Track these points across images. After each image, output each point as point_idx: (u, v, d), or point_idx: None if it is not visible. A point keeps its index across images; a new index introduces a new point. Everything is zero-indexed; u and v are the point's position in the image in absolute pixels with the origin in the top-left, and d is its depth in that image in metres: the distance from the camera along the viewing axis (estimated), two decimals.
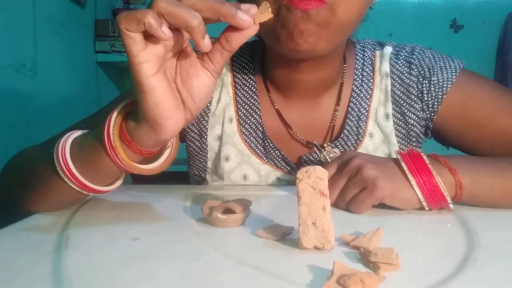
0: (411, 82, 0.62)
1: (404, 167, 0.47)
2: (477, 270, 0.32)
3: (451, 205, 0.47)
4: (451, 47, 2.11)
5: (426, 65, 0.61)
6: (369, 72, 0.65)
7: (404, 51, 0.64)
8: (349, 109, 0.63)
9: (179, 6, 0.35)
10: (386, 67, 0.63)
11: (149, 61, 0.37)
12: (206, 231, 0.41)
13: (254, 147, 0.64)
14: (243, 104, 0.64)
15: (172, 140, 0.47)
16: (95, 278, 0.31)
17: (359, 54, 0.66)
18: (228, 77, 0.65)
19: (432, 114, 0.61)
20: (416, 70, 0.62)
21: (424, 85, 0.61)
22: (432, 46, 0.65)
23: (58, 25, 1.60)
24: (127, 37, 0.35)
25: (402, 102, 0.62)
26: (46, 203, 0.48)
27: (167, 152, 0.47)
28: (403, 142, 0.63)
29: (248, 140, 0.64)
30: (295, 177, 0.36)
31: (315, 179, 0.35)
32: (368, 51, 0.66)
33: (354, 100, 0.63)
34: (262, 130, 0.63)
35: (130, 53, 0.36)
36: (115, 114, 0.43)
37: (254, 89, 0.64)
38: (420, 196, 0.46)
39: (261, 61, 0.65)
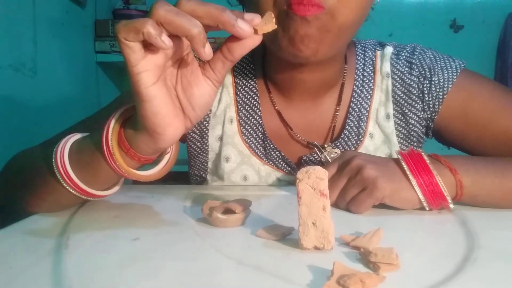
0: (412, 82, 0.62)
1: (405, 167, 0.47)
2: (477, 270, 0.32)
3: (451, 205, 0.47)
4: (451, 47, 2.11)
5: (427, 65, 0.61)
6: (370, 72, 0.65)
7: (405, 51, 0.64)
8: (350, 109, 0.63)
9: (179, 14, 0.34)
10: (387, 67, 0.63)
11: (148, 70, 0.36)
12: (206, 231, 0.41)
13: (255, 148, 0.64)
14: (244, 105, 0.64)
15: (171, 146, 0.46)
16: (95, 278, 0.31)
17: (360, 55, 0.66)
18: (229, 78, 0.65)
19: (433, 114, 0.61)
20: (417, 70, 0.62)
21: (425, 85, 0.61)
22: (432, 46, 0.65)
23: (58, 25, 1.60)
24: (125, 46, 0.35)
25: (403, 102, 0.62)
26: (45, 204, 0.48)
27: (166, 158, 0.47)
28: (404, 142, 0.63)
29: (249, 140, 0.64)
30: (295, 177, 0.36)
31: (315, 179, 0.35)
32: (369, 51, 0.66)
33: (354, 100, 0.63)
34: (262, 131, 0.63)
35: (128, 63, 0.36)
36: (113, 121, 0.42)
37: (254, 90, 0.64)
38: (421, 196, 0.46)
39: (262, 61, 0.65)
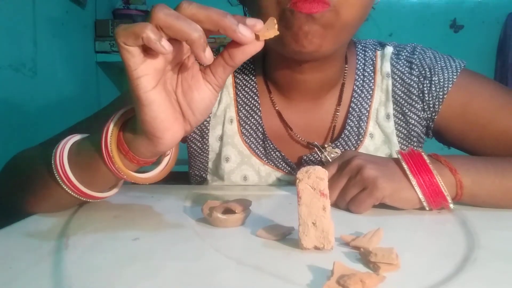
0: (412, 82, 0.62)
1: (405, 166, 0.47)
2: (477, 270, 0.32)
3: (451, 205, 0.47)
4: (451, 47, 2.11)
5: (427, 65, 0.61)
6: (370, 72, 0.65)
7: (405, 51, 0.64)
8: (350, 109, 0.63)
9: (179, 18, 0.34)
10: (387, 67, 0.63)
11: (147, 74, 0.36)
12: (206, 231, 0.41)
13: (255, 148, 0.64)
14: (244, 105, 0.64)
15: (171, 149, 0.46)
16: (95, 278, 0.31)
17: (360, 54, 0.66)
18: (229, 78, 0.65)
19: (433, 114, 0.61)
20: (417, 70, 0.62)
21: (425, 85, 0.61)
22: (432, 46, 0.65)
23: (58, 25, 1.60)
24: (125, 51, 0.34)
25: (403, 102, 0.62)
26: (45, 205, 0.48)
27: (166, 160, 0.46)
28: (404, 142, 0.63)
29: (249, 141, 0.64)
30: (295, 177, 0.36)
31: (315, 179, 0.35)
32: (369, 51, 0.66)
33: (355, 100, 0.63)
34: (262, 131, 0.63)
35: (128, 67, 0.35)
36: (112, 124, 0.42)
37: (255, 90, 0.64)
38: (421, 196, 0.46)
39: (262, 61, 0.65)
